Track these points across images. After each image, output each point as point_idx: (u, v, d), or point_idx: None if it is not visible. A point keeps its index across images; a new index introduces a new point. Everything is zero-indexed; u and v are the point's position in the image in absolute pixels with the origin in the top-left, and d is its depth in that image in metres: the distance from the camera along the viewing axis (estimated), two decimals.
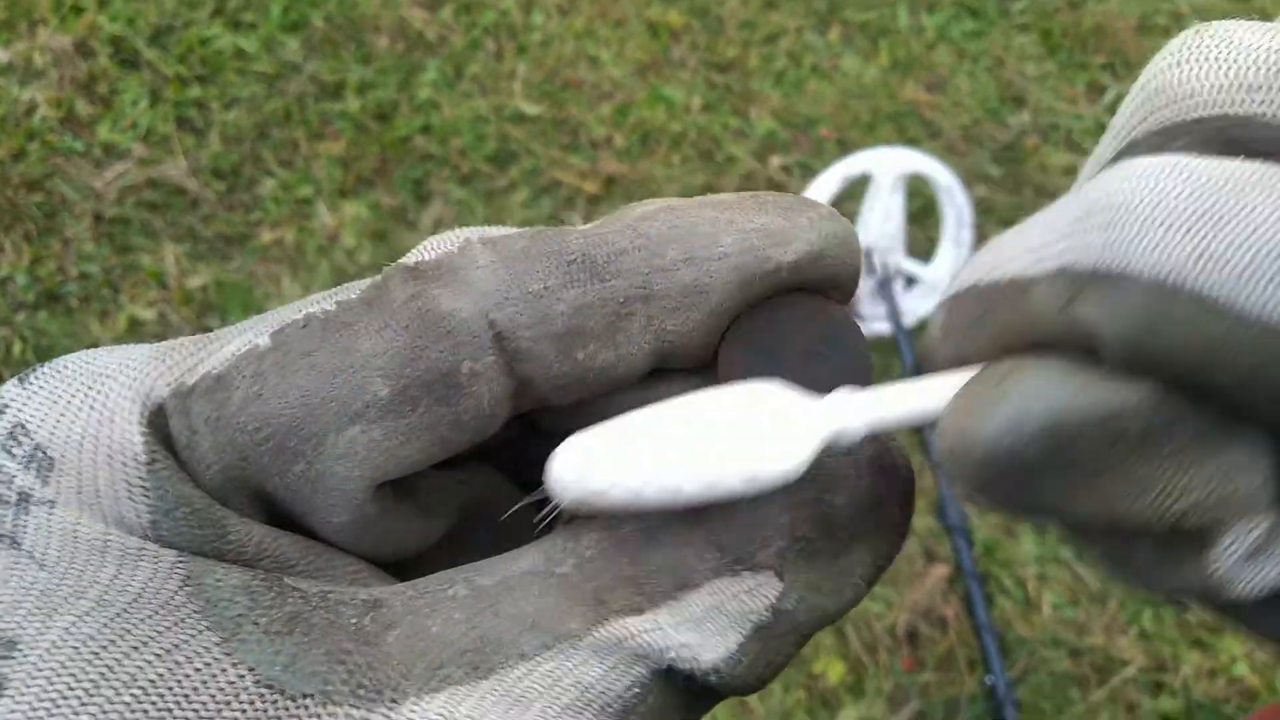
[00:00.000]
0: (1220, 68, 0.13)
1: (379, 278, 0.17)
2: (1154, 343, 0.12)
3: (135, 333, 1.41)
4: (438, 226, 1.47)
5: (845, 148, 1.52)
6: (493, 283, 0.17)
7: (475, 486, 0.20)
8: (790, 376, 0.17)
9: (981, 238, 1.48)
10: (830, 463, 0.17)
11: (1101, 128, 1.28)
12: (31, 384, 0.16)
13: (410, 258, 0.17)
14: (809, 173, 1.50)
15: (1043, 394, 0.13)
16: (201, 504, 0.16)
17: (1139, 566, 0.15)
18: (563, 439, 0.19)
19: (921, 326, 1.41)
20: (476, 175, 1.51)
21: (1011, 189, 1.53)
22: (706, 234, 0.17)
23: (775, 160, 1.53)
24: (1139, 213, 0.12)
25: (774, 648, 0.16)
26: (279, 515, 0.17)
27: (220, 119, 1.53)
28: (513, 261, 0.17)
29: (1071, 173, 1.54)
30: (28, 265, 1.44)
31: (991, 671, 1.10)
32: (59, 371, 0.16)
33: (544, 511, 0.17)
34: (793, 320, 0.18)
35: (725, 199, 0.18)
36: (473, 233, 0.17)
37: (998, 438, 0.13)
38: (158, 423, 0.16)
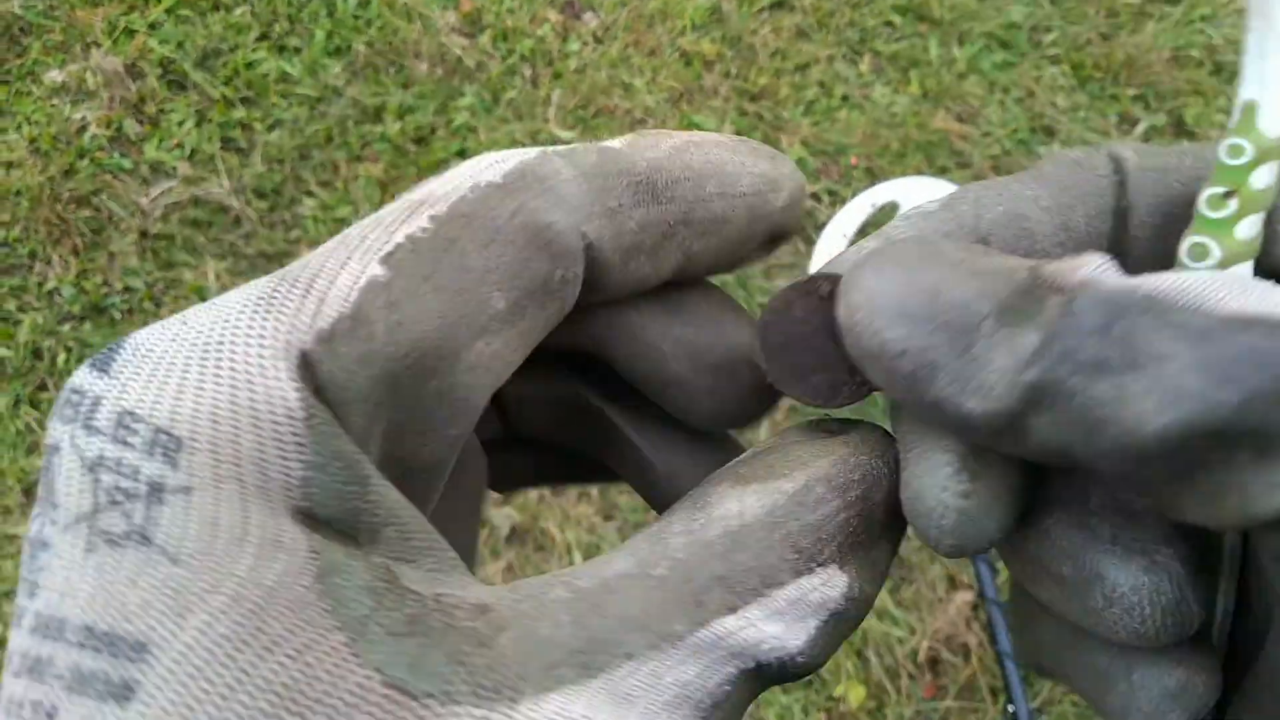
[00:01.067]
0: None
1: (464, 188, 0.17)
2: None
3: None
4: None
5: (874, 176, 1.54)
6: (581, 197, 0.18)
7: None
8: (812, 358, 0.20)
9: None
10: (873, 464, 0.18)
11: None
12: (118, 372, 0.15)
13: (492, 172, 0.18)
14: (837, 199, 1.52)
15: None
16: (353, 458, 0.15)
17: (1019, 345, 0.15)
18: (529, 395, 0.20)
19: None
20: None
21: None
22: (732, 174, 0.19)
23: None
24: None
25: (840, 631, 0.17)
26: (386, 455, 0.17)
27: (263, 140, 1.57)
28: (591, 177, 0.18)
29: None
30: (74, 278, 1.48)
31: (1014, 700, 1.09)
32: (145, 353, 0.16)
33: None
34: (818, 314, 0.20)
35: (725, 141, 0.20)
36: (539, 149, 0.19)
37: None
38: (306, 375, 0.15)
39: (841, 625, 0.17)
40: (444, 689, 0.14)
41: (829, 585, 0.17)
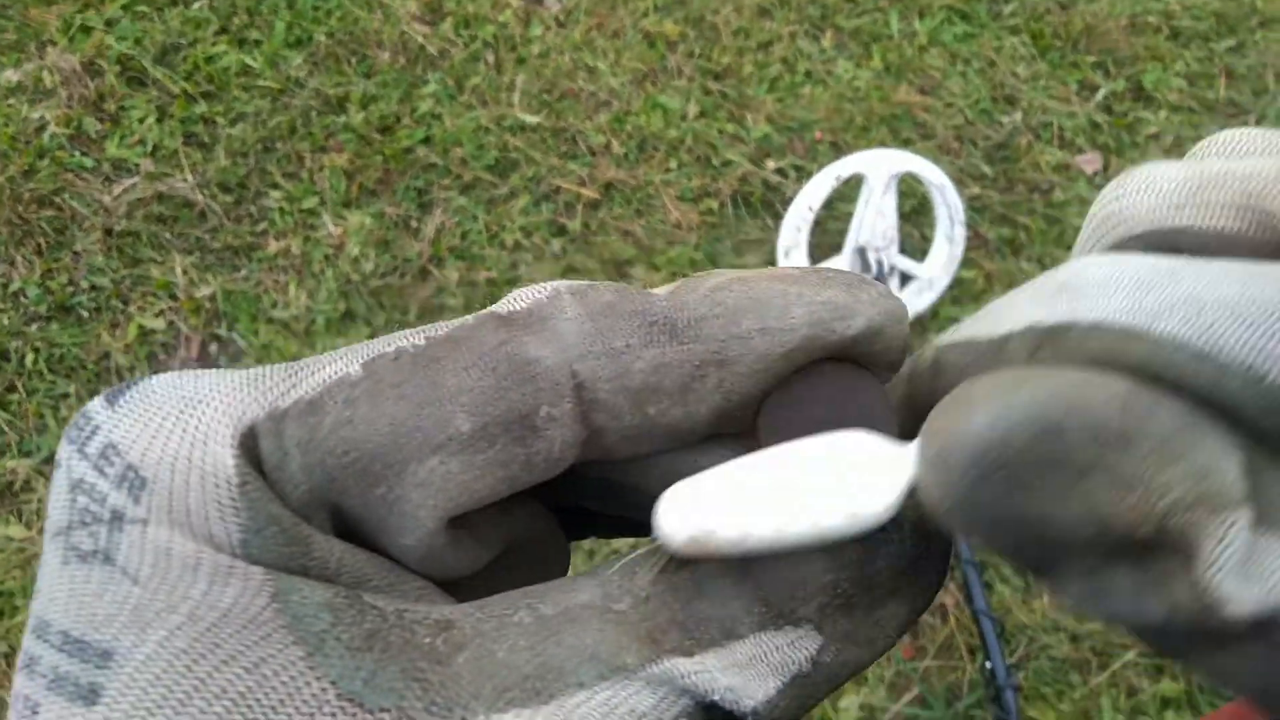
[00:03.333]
0: (1152, 196, 0.17)
1: (470, 318, 0.18)
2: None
3: (145, 342, 1.44)
4: (440, 234, 1.50)
5: (839, 150, 1.55)
6: (578, 335, 0.18)
7: (520, 518, 0.21)
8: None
9: (975, 235, 1.50)
10: (880, 530, 0.17)
11: (1094, 125, 1.30)
12: (121, 406, 0.17)
13: (502, 307, 0.18)
14: (804, 175, 1.53)
15: (1026, 389, 0.13)
16: (289, 523, 0.16)
17: (1122, 593, 0.14)
18: (599, 481, 0.20)
19: (916, 322, 1.43)
20: (478, 184, 1.54)
21: (1004, 187, 1.55)
22: (779, 306, 0.18)
23: (770, 164, 1.56)
24: (1094, 282, 0.15)
25: (808, 693, 0.17)
26: (351, 531, 0.18)
27: (226, 134, 1.56)
28: (598, 316, 0.18)
29: (1063, 170, 1.56)
30: (39, 278, 1.47)
31: (991, 657, 1.11)
32: (148, 395, 0.17)
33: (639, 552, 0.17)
34: (832, 393, 0.19)
35: (791, 273, 0.19)
36: (562, 284, 0.18)
37: (984, 431, 0.13)
38: (249, 445, 0.16)
39: (808, 688, 0.17)
40: (398, 704, 0.15)
41: (795, 646, 0.17)
